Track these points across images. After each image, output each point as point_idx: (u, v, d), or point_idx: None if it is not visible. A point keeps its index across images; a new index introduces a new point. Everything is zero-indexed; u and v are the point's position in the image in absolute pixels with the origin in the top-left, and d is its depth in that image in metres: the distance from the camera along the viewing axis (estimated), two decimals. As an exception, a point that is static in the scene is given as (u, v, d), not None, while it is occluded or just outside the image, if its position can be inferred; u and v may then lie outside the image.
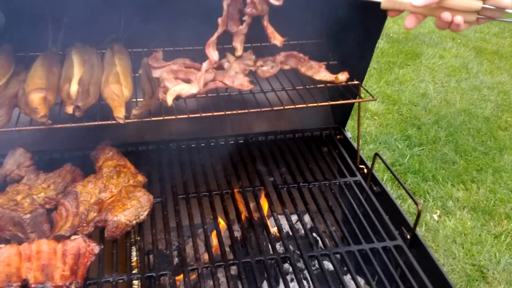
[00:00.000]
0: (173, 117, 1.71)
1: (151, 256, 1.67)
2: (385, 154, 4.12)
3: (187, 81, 1.78)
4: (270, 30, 1.62)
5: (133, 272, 1.57)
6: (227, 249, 1.70)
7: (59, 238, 1.55)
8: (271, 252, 1.65)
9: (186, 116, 1.72)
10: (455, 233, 3.46)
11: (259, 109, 1.75)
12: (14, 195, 1.67)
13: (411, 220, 1.71)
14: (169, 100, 1.67)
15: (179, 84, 1.72)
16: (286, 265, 1.73)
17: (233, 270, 1.66)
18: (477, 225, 3.49)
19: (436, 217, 3.60)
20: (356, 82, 1.88)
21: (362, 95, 1.93)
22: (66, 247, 1.50)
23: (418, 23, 1.23)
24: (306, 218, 1.79)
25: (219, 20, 1.57)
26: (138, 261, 1.62)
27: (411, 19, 1.22)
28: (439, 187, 3.87)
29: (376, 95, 4.95)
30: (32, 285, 1.41)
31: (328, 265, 1.71)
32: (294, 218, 1.78)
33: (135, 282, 1.55)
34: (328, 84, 1.83)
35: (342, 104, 1.86)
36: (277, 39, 1.63)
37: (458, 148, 4.29)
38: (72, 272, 1.46)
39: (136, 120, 1.68)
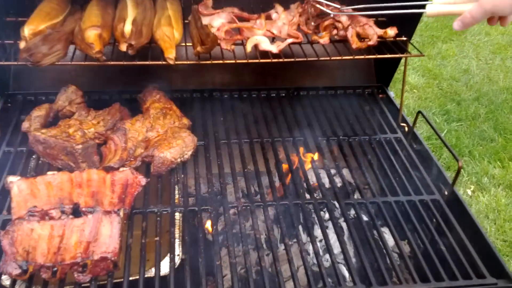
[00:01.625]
0: (221, 61, 1.75)
1: (193, 188, 1.74)
2: (422, 128, 4.08)
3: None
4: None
5: (176, 205, 1.64)
6: (266, 193, 1.74)
7: (108, 170, 1.63)
8: (308, 198, 1.69)
9: (233, 61, 1.76)
10: (488, 209, 3.43)
11: (305, 58, 1.76)
12: (66, 128, 1.75)
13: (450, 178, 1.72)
14: (249, 47, 1.73)
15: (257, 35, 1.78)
16: (322, 213, 1.77)
17: (271, 211, 1.71)
18: (511, 203, 3.45)
19: (469, 192, 3.57)
20: (405, 38, 1.87)
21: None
22: (114, 177, 1.58)
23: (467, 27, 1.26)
24: (345, 170, 1.81)
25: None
26: (181, 196, 1.68)
27: (459, 23, 1.24)
28: (475, 163, 3.82)
29: (416, 69, 4.87)
30: (83, 209, 1.49)
31: (364, 217, 1.73)
32: (333, 170, 1.81)
33: (177, 214, 1.63)
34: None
35: (388, 58, 1.85)
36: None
37: (497, 126, 4.20)
38: (120, 200, 1.53)
39: (185, 62, 1.73)
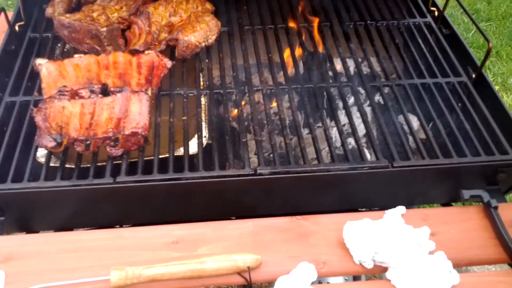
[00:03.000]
0: None
1: (218, 78, 1.74)
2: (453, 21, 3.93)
3: None
4: None
5: (202, 88, 1.65)
6: (290, 77, 1.74)
7: (134, 53, 1.63)
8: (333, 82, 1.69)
9: None
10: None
11: None
12: (90, 13, 1.74)
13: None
14: None
15: None
16: (347, 99, 1.77)
17: (296, 94, 1.72)
18: (537, 103, 3.40)
19: (495, 91, 3.52)
20: None
21: None
22: (140, 60, 1.59)
23: None
24: (371, 56, 1.78)
25: None
26: (207, 80, 1.69)
27: None
28: (502, 64, 3.73)
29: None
30: (111, 89, 1.52)
31: (389, 101, 1.73)
32: (359, 55, 1.78)
33: (203, 99, 1.65)
34: None
35: None
36: None
37: (529, 26, 4.04)
38: (147, 81, 1.55)
39: None
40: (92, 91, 1.51)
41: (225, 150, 1.47)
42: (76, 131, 1.40)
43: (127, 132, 1.40)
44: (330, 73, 1.77)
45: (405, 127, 1.56)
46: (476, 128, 1.51)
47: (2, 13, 1.66)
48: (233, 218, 1.55)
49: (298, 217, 1.35)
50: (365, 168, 1.39)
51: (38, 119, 1.42)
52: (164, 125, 1.52)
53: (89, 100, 1.48)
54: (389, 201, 1.52)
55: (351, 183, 1.44)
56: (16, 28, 1.78)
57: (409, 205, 1.54)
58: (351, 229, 1.25)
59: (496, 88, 3.52)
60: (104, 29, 1.64)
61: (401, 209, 1.34)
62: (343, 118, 1.67)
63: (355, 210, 1.56)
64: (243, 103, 1.62)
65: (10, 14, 1.83)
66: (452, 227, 1.31)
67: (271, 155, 1.49)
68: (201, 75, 1.71)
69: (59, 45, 1.79)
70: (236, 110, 1.63)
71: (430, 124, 1.60)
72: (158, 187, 1.35)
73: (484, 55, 1.59)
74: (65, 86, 1.51)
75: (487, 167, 1.40)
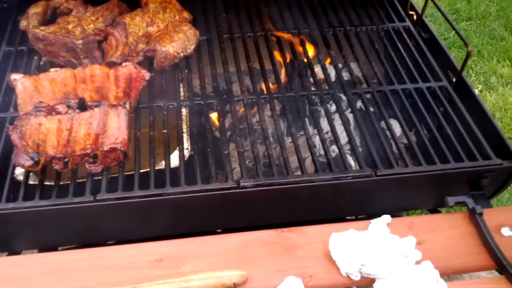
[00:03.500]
0: None
1: (198, 87, 1.72)
2: (432, 21, 3.96)
3: None
4: None
5: (182, 99, 1.63)
6: (271, 86, 1.72)
7: (111, 65, 1.60)
8: (314, 89, 1.68)
9: None
10: (495, 108, 3.42)
11: None
12: (65, 25, 1.70)
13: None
14: None
15: None
16: (329, 105, 1.76)
17: (277, 104, 1.70)
18: (519, 101, 3.43)
19: (477, 92, 3.54)
20: None
21: None
22: (118, 72, 1.56)
23: None
24: (351, 61, 1.78)
25: None
26: (186, 91, 1.67)
27: None
28: (484, 63, 3.76)
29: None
30: (89, 103, 1.49)
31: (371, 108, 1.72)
32: (339, 62, 1.77)
33: (184, 110, 1.62)
34: None
35: None
36: None
37: (508, 24, 4.07)
38: (125, 94, 1.53)
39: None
40: (69, 106, 1.48)
41: (208, 161, 1.45)
42: (53, 149, 1.37)
43: (105, 148, 1.37)
44: (311, 80, 1.76)
45: (388, 134, 1.55)
46: (458, 133, 1.51)
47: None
48: (219, 231, 1.54)
49: (283, 229, 1.33)
50: (349, 178, 1.38)
51: (14, 137, 1.38)
52: (144, 138, 1.49)
53: (66, 115, 1.45)
54: (374, 208, 1.52)
55: (335, 193, 1.42)
56: (-10, 42, 1.74)
57: (394, 212, 1.54)
58: (337, 241, 1.23)
59: (479, 87, 3.56)
60: (80, 41, 1.60)
61: (386, 218, 1.33)
62: (325, 126, 1.66)
63: (341, 219, 1.55)
64: (224, 114, 1.60)
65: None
66: (438, 234, 1.31)
67: (254, 165, 1.47)
68: (181, 85, 1.68)
69: (35, 58, 1.75)
70: (217, 121, 1.61)
71: (413, 130, 1.60)
72: (139, 204, 1.32)
73: (463, 61, 1.59)
74: (41, 102, 1.47)
75: (471, 173, 1.41)
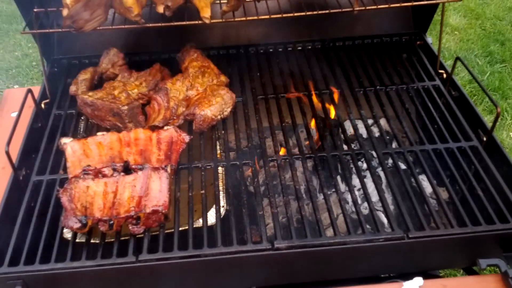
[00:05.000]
0: (255, 17, 1.77)
1: (234, 148, 1.81)
2: (464, 71, 3.96)
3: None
4: None
5: (218, 160, 1.72)
6: (304, 146, 1.80)
7: (153, 129, 1.71)
8: (346, 149, 1.73)
9: (267, 16, 1.77)
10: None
11: (340, 10, 1.76)
12: (111, 90, 1.83)
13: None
14: None
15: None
16: (360, 163, 1.81)
17: (310, 163, 1.77)
18: (556, 146, 3.37)
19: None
20: (442, -19, 1.82)
21: None
22: (160, 136, 1.67)
23: None
24: (382, 120, 1.83)
25: None
26: (223, 151, 1.76)
27: None
28: (520, 107, 3.72)
29: (457, 9, 4.68)
30: (133, 166, 1.59)
31: (402, 165, 1.77)
32: (370, 121, 1.84)
33: (220, 169, 1.71)
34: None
35: (425, 4, 1.82)
36: None
37: (543, 66, 4.05)
38: (167, 156, 1.62)
39: (220, 20, 1.76)
40: (114, 169, 1.58)
41: (243, 218, 1.52)
42: (100, 211, 1.46)
43: (148, 210, 1.46)
44: (343, 139, 1.82)
45: (418, 194, 1.59)
46: (489, 194, 1.53)
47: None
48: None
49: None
50: (381, 240, 1.42)
51: (64, 199, 1.49)
52: (183, 198, 1.58)
53: (112, 178, 1.55)
54: (405, 267, 1.54)
55: (367, 255, 1.46)
56: (42, 105, 1.89)
57: (426, 271, 1.56)
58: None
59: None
60: (126, 107, 1.72)
61: (418, 280, 1.35)
62: (357, 183, 1.71)
63: (374, 277, 1.58)
64: (258, 173, 1.67)
65: (36, 89, 1.94)
66: (471, 299, 1.32)
67: (287, 220, 1.53)
68: (218, 146, 1.77)
69: (82, 118, 1.88)
70: (252, 181, 1.68)
71: (443, 189, 1.63)
72: (178, 265, 1.40)
73: (494, 118, 1.62)
74: (89, 165, 1.58)
75: (503, 235, 1.42)
